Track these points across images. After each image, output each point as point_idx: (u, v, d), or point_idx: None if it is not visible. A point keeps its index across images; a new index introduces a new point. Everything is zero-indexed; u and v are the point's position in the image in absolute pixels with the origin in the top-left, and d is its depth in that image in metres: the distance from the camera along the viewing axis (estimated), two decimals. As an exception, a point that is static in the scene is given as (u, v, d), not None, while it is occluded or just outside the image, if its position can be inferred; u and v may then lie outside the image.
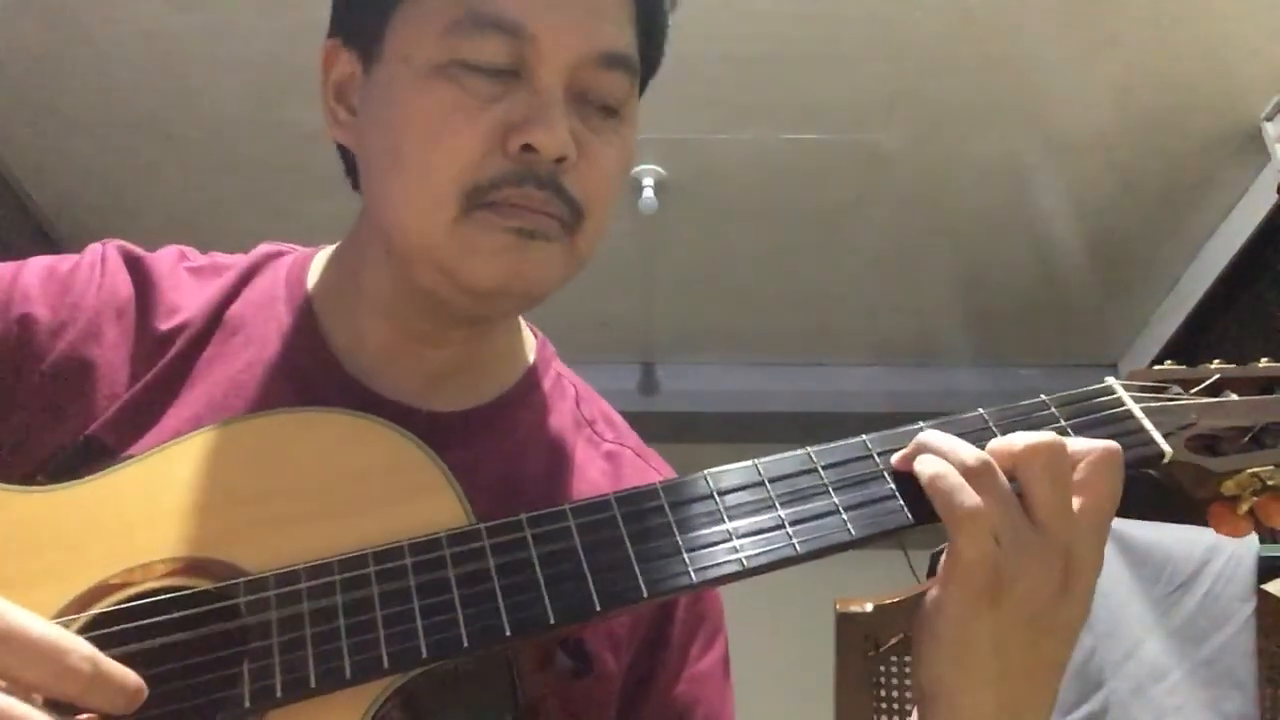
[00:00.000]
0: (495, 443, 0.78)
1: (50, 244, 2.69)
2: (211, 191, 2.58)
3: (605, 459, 0.83)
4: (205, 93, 2.27)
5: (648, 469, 0.85)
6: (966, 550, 0.59)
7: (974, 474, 0.60)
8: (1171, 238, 2.70)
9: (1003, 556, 0.59)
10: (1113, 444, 0.62)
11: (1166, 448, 0.66)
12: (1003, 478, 0.60)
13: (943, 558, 0.61)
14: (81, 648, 0.49)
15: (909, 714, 1.50)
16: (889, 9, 2.06)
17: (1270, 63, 2.16)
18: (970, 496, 0.59)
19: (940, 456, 0.61)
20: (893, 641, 1.53)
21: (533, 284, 0.71)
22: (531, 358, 0.85)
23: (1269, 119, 2.29)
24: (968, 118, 2.33)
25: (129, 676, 0.51)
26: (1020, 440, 0.61)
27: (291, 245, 0.86)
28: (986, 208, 2.62)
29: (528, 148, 0.67)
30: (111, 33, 2.13)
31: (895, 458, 0.64)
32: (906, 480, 0.63)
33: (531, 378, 0.83)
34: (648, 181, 2.51)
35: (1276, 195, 2.32)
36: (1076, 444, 0.62)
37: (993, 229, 2.70)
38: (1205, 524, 0.70)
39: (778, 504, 0.62)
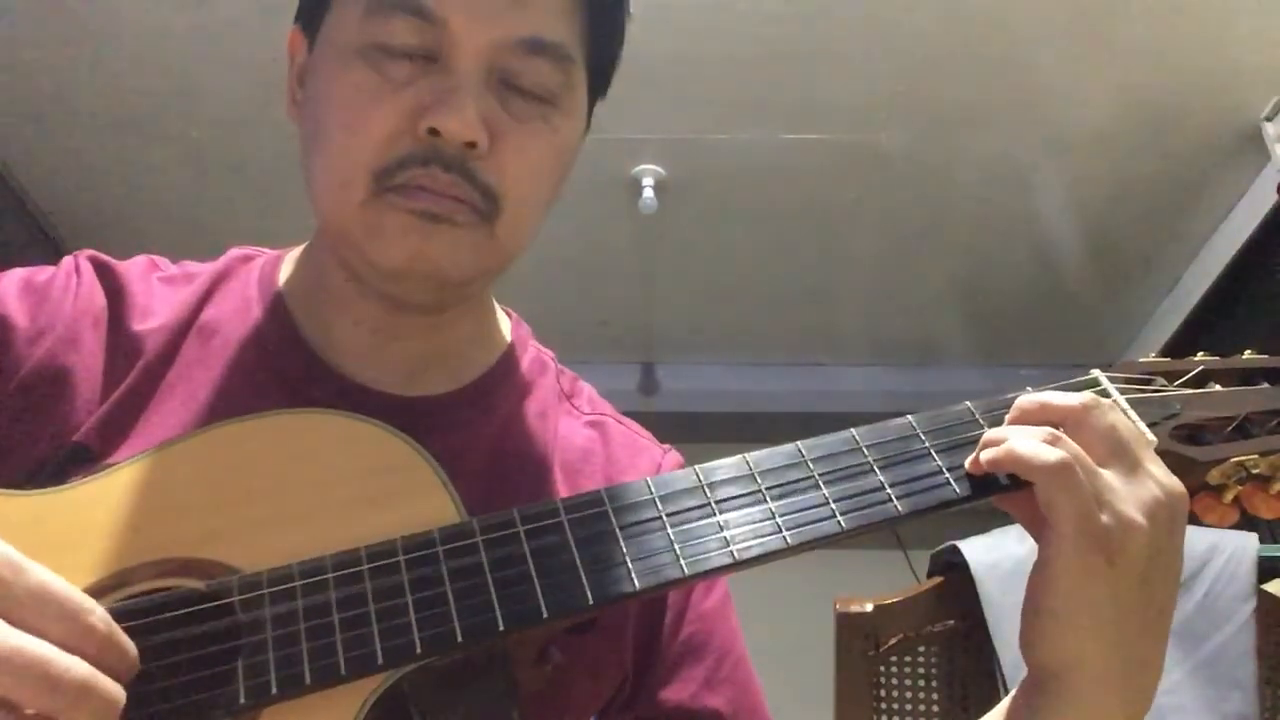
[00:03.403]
0: (480, 423, 0.79)
1: (50, 244, 2.69)
2: (212, 191, 2.58)
3: (589, 428, 0.84)
4: (206, 92, 2.28)
5: (632, 435, 0.86)
6: (1064, 505, 0.59)
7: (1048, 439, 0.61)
8: (1171, 238, 2.70)
9: (1106, 513, 0.59)
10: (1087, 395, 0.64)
11: (1152, 437, 0.66)
12: (1071, 442, 0.61)
13: (1043, 542, 0.60)
14: (97, 608, 0.51)
15: (909, 714, 1.51)
16: (889, 9, 2.06)
17: (1270, 63, 2.16)
18: (1052, 450, 0.59)
19: (1005, 436, 0.62)
20: (893, 641, 1.53)
21: (440, 267, 0.71)
22: (509, 337, 0.86)
23: (1269, 119, 2.29)
24: (968, 118, 2.33)
25: (131, 645, 0.52)
26: (1070, 400, 0.63)
27: (260, 249, 0.87)
28: (986, 208, 2.62)
29: (434, 131, 0.68)
30: (112, 32, 2.13)
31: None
32: (895, 473, 0.63)
33: (510, 356, 0.84)
34: (648, 181, 2.51)
35: (1276, 195, 2.32)
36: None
37: (993, 229, 2.70)
38: (1191, 513, 0.71)
39: (768, 497, 0.63)
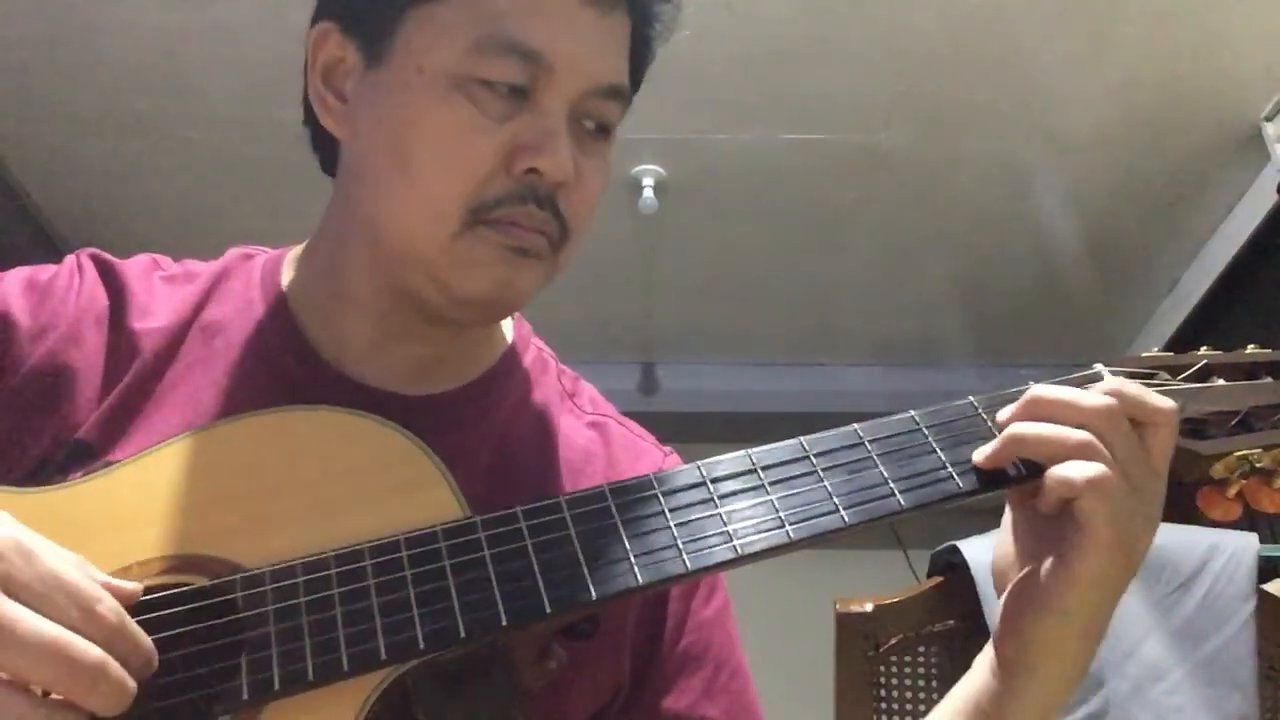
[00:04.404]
0: (483, 421, 0.79)
1: (50, 244, 2.69)
2: (211, 191, 2.58)
3: (590, 428, 0.84)
4: (205, 93, 2.28)
5: (634, 438, 0.87)
6: (1105, 517, 0.60)
7: (1098, 416, 0.62)
8: (1171, 238, 2.70)
9: (1131, 507, 0.61)
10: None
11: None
12: (1105, 451, 0.62)
13: (1068, 546, 0.61)
14: (106, 597, 0.52)
15: (909, 714, 1.51)
16: (889, 9, 2.06)
17: (1270, 63, 2.16)
18: (1094, 466, 0.61)
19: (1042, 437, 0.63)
20: (893, 641, 1.53)
21: (518, 297, 0.74)
22: (510, 336, 0.86)
23: (1269, 119, 2.29)
24: (968, 118, 2.33)
25: (146, 638, 0.53)
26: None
27: (260, 247, 0.87)
28: (986, 208, 2.62)
29: (532, 170, 0.70)
30: (112, 32, 2.13)
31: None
32: (898, 467, 0.63)
33: (512, 354, 0.85)
34: (648, 181, 2.50)
35: (1276, 195, 2.32)
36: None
37: (993, 229, 2.70)
38: (1194, 507, 0.71)
39: (770, 491, 0.63)
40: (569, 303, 2.93)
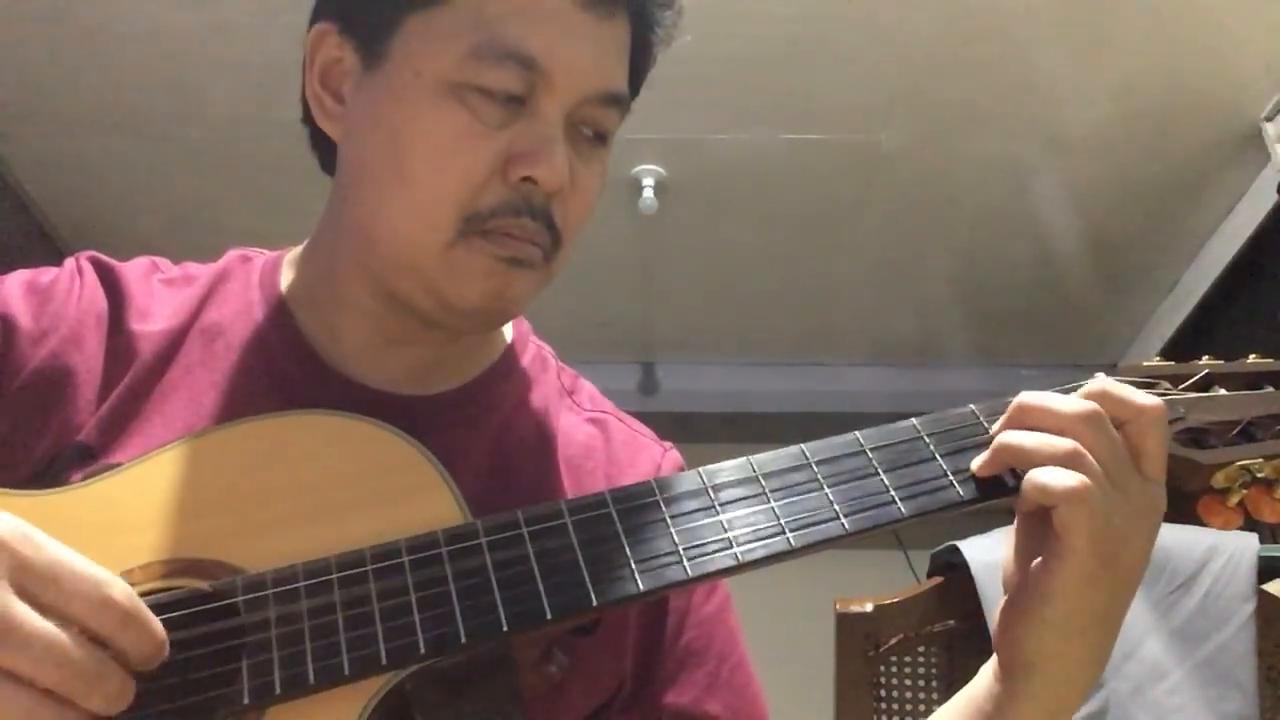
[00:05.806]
0: (482, 420, 0.80)
1: (50, 244, 2.69)
2: (211, 191, 2.58)
3: (590, 424, 0.85)
4: (205, 93, 2.27)
5: (633, 433, 0.87)
6: (1081, 527, 0.60)
7: (1083, 420, 0.62)
8: (1171, 238, 2.70)
9: (1115, 531, 0.61)
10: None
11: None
12: (1089, 458, 0.61)
13: (1050, 554, 0.61)
14: (118, 582, 0.52)
15: (909, 714, 1.51)
16: (889, 9, 2.06)
17: (1270, 63, 2.16)
18: (1073, 475, 0.60)
19: (1035, 429, 0.63)
20: (893, 641, 1.53)
21: (511, 307, 0.74)
22: (509, 335, 0.86)
23: (1269, 119, 2.29)
24: (968, 118, 2.33)
25: (158, 623, 0.53)
26: (1079, 407, 0.63)
27: (258, 249, 0.87)
28: (986, 208, 2.62)
29: (528, 179, 0.70)
30: (112, 33, 2.13)
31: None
32: (898, 475, 0.63)
33: (511, 354, 0.85)
34: (648, 181, 2.50)
35: (1276, 195, 2.32)
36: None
37: (993, 229, 2.70)
38: (1195, 516, 0.72)
39: (771, 499, 0.63)
40: (569, 303, 2.93)
